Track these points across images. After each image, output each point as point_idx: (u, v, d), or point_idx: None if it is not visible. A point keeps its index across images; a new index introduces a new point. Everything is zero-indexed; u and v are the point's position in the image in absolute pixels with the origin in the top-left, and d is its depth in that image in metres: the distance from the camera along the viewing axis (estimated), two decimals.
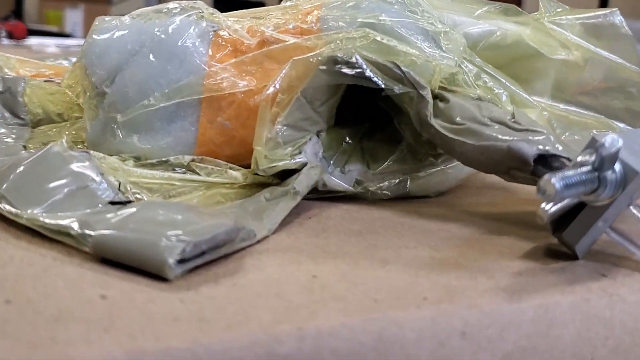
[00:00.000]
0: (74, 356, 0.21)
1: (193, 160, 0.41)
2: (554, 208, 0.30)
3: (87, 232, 0.30)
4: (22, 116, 0.52)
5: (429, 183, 0.44)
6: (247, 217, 0.35)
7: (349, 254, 0.32)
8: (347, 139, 0.45)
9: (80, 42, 2.34)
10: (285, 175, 0.40)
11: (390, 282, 0.29)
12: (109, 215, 0.31)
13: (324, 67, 0.38)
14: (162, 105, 0.40)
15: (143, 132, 0.41)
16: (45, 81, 0.55)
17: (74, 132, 0.48)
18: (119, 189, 0.36)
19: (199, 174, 0.41)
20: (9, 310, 0.24)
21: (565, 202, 0.31)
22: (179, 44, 0.41)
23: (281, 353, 0.23)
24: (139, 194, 0.37)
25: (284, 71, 0.38)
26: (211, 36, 0.41)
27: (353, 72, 0.38)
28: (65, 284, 0.27)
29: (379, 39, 0.40)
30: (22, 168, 0.35)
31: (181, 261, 0.28)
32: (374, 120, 0.47)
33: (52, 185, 0.34)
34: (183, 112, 0.41)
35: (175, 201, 0.37)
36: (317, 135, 0.42)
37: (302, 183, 0.38)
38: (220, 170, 0.41)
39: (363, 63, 0.38)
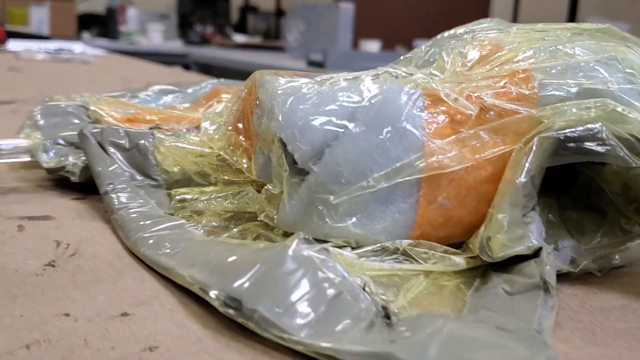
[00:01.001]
0: None
1: (409, 245, 0.37)
2: None
3: None
4: (155, 177, 0.47)
5: (633, 254, 0.41)
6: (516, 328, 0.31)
7: None
8: (550, 211, 0.41)
9: (61, 45, 2.23)
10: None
11: None
12: (412, 341, 0.27)
13: (573, 145, 0.35)
14: (380, 186, 0.36)
15: (358, 216, 0.36)
16: (171, 134, 0.50)
17: (235, 201, 0.43)
18: (364, 290, 0.32)
19: (415, 259, 0.37)
20: None
21: None
22: (397, 116, 0.36)
23: None
24: (383, 294, 0.33)
25: (532, 153, 0.35)
26: (426, 105, 0.37)
27: (603, 150, 0.35)
28: None
29: (619, 109, 0.36)
30: (257, 273, 0.31)
31: None
32: (558, 187, 0.44)
33: (305, 295, 0.30)
34: (402, 192, 0.36)
35: (457, 316, 0.32)
36: (533, 211, 0.38)
37: (552, 275, 0.34)
38: (442, 256, 0.37)
39: (612, 139, 0.35)
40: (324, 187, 0.36)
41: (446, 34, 0.52)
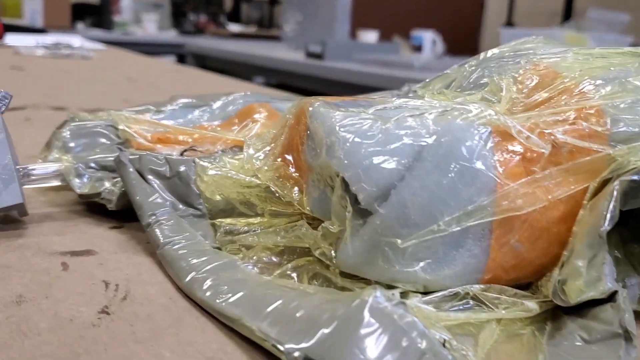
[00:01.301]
0: None
1: (480, 289, 0.36)
2: None
3: None
4: (198, 206, 0.45)
5: None
6: None
7: None
8: (615, 247, 0.40)
9: (58, 38, 2.19)
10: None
11: None
12: None
13: None
14: (452, 230, 0.34)
15: (427, 261, 0.35)
16: (202, 157, 0.48)
17: (287, 235, 0.42)
18: (444, 346, 0.31)
19: (486, 304, 0.36)
20: None
21: None
22: (467, 156, 0.35)
23: None
24: (463, 349, 0.31)
25: (613, 199, 0.33)
26: (496, 143, 0.36)
27: None
28: None
29: None
30: (336, 332, 0.29)
31: None
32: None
33: (388, 359, 0.28)
34: (473, 236, 0.35)
35: None
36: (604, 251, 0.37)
37: (632, 323, 0.33)
38: (513, 301, 0.35)
39: None
40: (391, 230, 0.35)
41: (490, 53, 0.50)
